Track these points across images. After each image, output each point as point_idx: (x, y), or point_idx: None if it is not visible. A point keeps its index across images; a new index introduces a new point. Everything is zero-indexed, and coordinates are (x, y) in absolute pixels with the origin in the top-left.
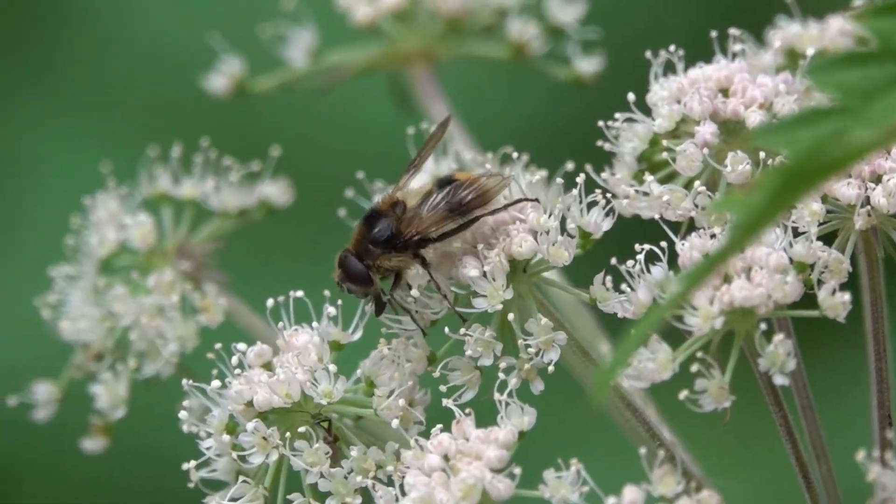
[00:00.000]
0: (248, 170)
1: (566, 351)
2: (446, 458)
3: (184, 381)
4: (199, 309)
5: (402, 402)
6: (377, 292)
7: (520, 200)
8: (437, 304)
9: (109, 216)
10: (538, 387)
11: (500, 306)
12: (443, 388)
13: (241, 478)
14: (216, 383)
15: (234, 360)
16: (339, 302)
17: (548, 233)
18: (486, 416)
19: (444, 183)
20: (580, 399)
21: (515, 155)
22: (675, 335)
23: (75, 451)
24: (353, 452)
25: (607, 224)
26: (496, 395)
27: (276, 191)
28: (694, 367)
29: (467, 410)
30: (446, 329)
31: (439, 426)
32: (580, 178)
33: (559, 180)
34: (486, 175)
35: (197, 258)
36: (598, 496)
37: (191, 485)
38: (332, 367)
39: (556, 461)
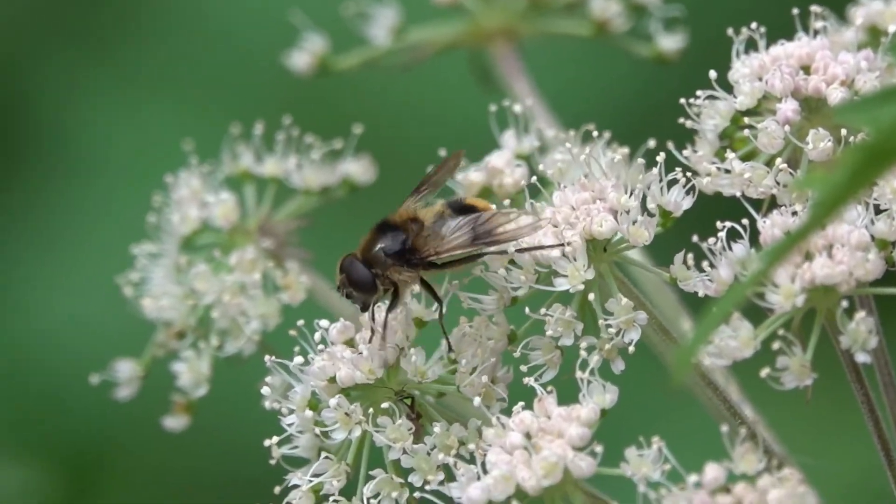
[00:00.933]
0: (331, 147)
1: (647, 329)
2: (528, 435)
3: (266, 358)
4: (281, 286)
5: (484, 378)
6: (377, 302)
7: (539, 248)
8: (517, 281)
9: (192, 194)
10: (619, 366)
11: (581, 286)
12: (524, 368)
13: (322, 454)
14: (299, 359)
15: (317, 336)
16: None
17: (628, 212)
18: (567, 394)
19: (458, 208)
20: (661, 377)
21: (596, 133)
22: (756, 313)
23: (157, 429)
24: (436, 429)
25: (687, 202)
26: (578, 374)
27: (358, 168)
28: (775, 345)
29: (549, 388)
30: (527, 309)
31: (521, 404)
32: (661, 156)
33: (640, 160)
34: (506, 212)
35: (279, 236)
36: (679, 474)
37: (272, 461)
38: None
39: (638, 439)
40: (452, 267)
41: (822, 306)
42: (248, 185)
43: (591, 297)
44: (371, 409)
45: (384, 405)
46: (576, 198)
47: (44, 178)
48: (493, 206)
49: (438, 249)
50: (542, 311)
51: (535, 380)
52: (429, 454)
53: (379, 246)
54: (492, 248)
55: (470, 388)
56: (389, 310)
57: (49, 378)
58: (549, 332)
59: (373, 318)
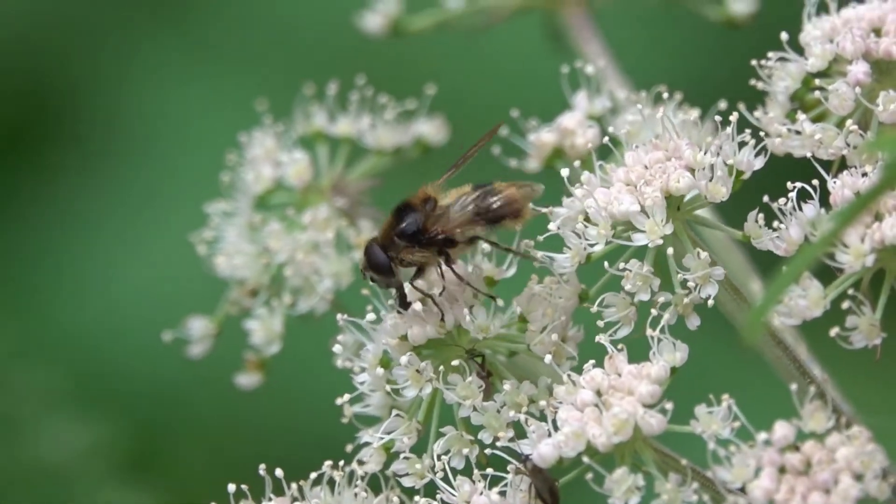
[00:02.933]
0: (404, 108)
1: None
2: (598, 393)
3: (338, 316)
4: (353, 245)
5: (554, 337)
6: (399, 284)
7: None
8: (593, 237)
9: (265, 153)
10: (694, 322)
11: (660, 241)
12: (600, 324)
13: (394, 412)
14: (371, 316)
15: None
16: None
17: (704, 169)
18: (637, 353)
19: (481, 188)
20: (731, 336)
21: (667, 94)
22: (825, 273)
23: (228, 390)
24: (506, 387)
25: (759, 162)
26: (649, 331)
27: (431, 129)
28: (844, 305)
29: (619, 346)
30: (605, 263)
31: (592, 362)
32: (734, 116)
33: (716, 117)
34: (519, 185)
35: (352, 195)
36: (749, 432)
37: (344, 420)
38: (501, 301)
39: (708, 397)
40: (471, 244)
41: (892, 266)
42: (322, 145)
43: (670, 251)
44: (441, 367)
45: (454, 363)
46: (649, 157)
47: (120, 155)
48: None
49: (444, 228)
50: (620, 265)
51: (610, 336)
52: (498, 412)
53: (392, 227)
54: (498, 225)
55: (540, 347)
56: (412, 280)
57: (123, 340)
58: (626, 287)
59: (404, 302)
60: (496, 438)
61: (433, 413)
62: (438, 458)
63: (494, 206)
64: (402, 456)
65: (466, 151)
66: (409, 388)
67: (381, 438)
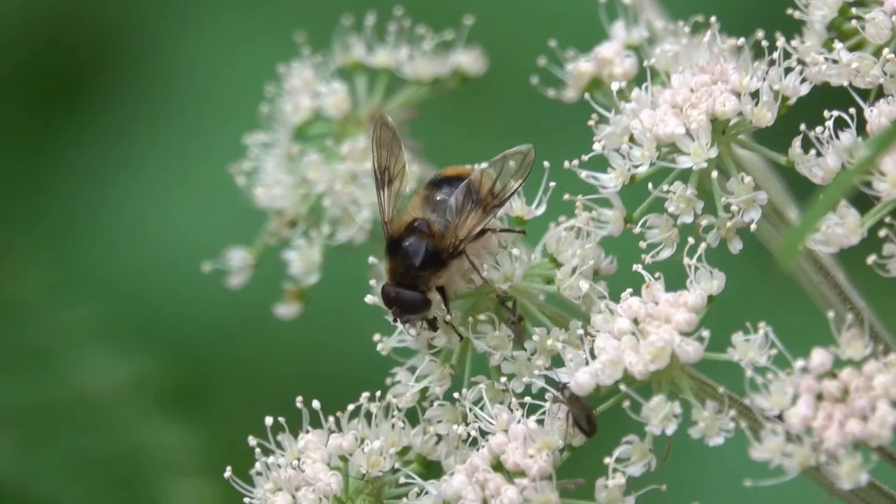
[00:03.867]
0: (442, 39)
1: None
2: (636, 321)
3: (370, 258)
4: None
5: (584, 284)
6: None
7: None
8: (638, 158)
9: (304, 84)
10: (737, 246)
11: (704, 164)
12: (643, 245)
13: (427, 358)
14: None
15: None
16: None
17: (751, 94)
18: (675, 282)
19: (439, 184)
20: (769, 264)
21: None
22: (863, 202)
23: (267, 325)
24: (535, 337)
25: (805, 89)
26: (686, 260)
27: (469, 60)
28: (882, 233)
29: (657, 274)
30: (650, 185)
31: (629, 290)
32: (780, 41)
33: (763, 42)
34: (485, 170)
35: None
36: (786, 359)
37: (383, 353)
38: (515, 252)
39: (745, 326)
40: (481, 237)
41: None
42: (360, 76)
43: (715, 174)
44: (471, 319)
45: (482, 317)
46: (695, 80)
47: (159, 90)
48: (469, 167)
49: (461, 237)
50: (664, 187)
51: (652, 257)
52: (529, 360)
53: (406, 265)
54: (499, 208)
55: (570, 291)
56: (446, 306)
57: (163, 276)
58: (670, 209)
59: (434, 325)
60: (528, 386)
61: (466, 357)
62: (470, 409)
63: (496, 192)
64: (436, 404)
65: (383, 167)
66: (439, 337)
67: (414, 386)
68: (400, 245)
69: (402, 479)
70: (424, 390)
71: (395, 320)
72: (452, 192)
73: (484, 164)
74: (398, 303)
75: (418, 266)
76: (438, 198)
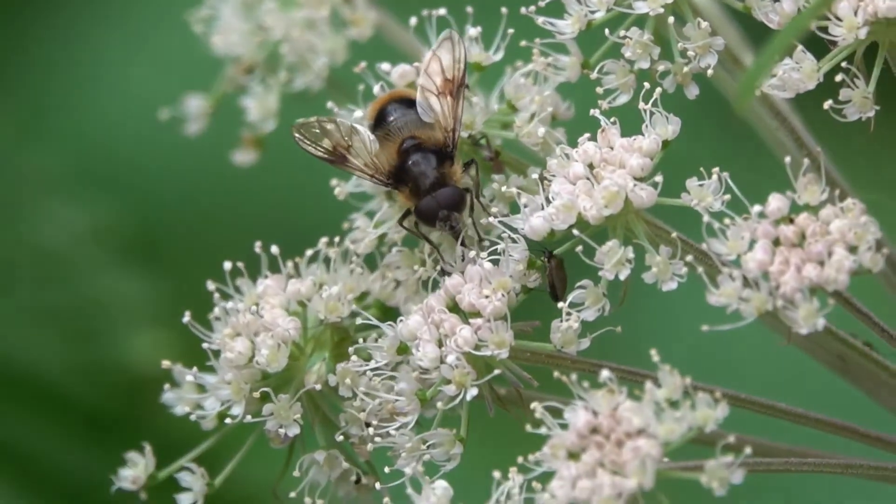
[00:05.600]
0: None
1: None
2: (591, 166)
3: (329, 103)
4: (349, 22)
5: (541, 130)
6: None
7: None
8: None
9: None
10: (693, 91)
11: (660, 9)
12: (599, 90)
13: (385, 203)
14: (358, 113)
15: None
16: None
17: None
18: (633, 129)
19: (384, 116)
20: (727, 120)
21: None
22: (820, 47)
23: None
24: (494, 185)
25: None
26: (641, 105)
27: None
28: (838, 78)
29: (612, 119)
30: (606, 31)
31: (586, 135)
32: None
33: None
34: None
35: None
36: (743, 207)
37: (340, 197)
38: (475, 99)
39: (700, 172)
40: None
41: (885, 39)
42: None
43: (671, 20)
44: None
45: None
46: None
47: None
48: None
49: (451, 126)
50: (621, 33)
51: (609, 103)
52: (491, 202)
53: (425, 175)
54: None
55: (528, 138)
56: (479, 197)
57: (123, 127)
58: (626, 55)
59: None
60: (492, 214)
61: None
62: (429, 254)
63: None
64: (394, 249)
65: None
66: None
67: (373, 232)
68: (407, 169)
69: (360, 321)
70: (382, 236)
71: (453, 227)
72: (404, 108)
73: (418, 63)
74: (444, 205)
75: (436, 166)
76: (393, 118)
